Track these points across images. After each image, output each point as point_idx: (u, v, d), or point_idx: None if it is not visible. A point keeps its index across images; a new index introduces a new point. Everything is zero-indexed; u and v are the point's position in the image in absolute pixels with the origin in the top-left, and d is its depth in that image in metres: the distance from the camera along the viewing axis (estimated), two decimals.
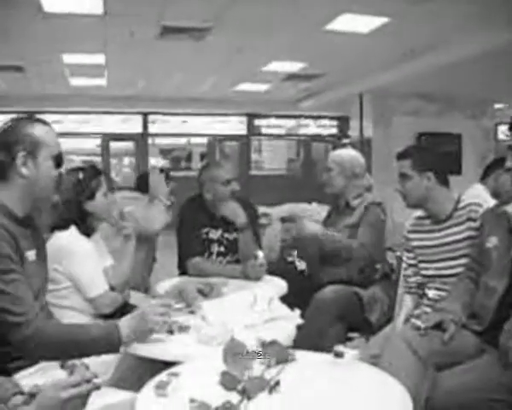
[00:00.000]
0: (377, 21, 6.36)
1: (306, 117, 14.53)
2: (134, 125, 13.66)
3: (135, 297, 2.83)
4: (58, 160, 2.00)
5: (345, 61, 8.52)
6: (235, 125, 14.35)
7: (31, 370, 1.93)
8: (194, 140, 14.55)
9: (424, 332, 2.17)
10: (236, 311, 2.29)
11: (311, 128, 14.88)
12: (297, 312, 2.31)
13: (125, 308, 2.59)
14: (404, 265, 2.93)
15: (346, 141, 11.98)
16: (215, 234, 3.44)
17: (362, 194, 3.51)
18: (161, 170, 3.55)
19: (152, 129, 13.86)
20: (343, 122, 13.98)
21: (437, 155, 2.78)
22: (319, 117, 14.59)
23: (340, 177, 3.52)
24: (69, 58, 8.44)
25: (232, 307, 2.35)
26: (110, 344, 1.91)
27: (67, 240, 2.56)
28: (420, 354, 2.08)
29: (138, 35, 6.97)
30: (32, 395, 1.49)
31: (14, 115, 2.05)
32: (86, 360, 1.87)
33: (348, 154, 3.67)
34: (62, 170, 2.04)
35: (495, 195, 3.40)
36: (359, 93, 10.70)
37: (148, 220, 3.34)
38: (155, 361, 2.02)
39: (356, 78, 9.75)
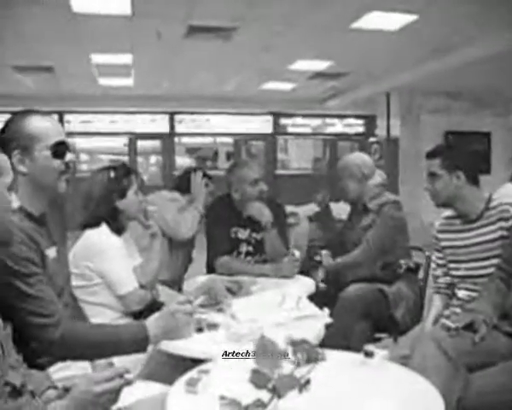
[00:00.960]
0: (406, 19, 6.31)
1: (332, 116, 14.47)
2: (161, 124, 13.77)
3: (166, 294, 2.84)
4: (57, 149, 1.91)
5: (372, 59, 8.46)
6: (261, 124, 14.35)
7: (62, 364, 1.96)
8: (220, 139, 14.60)
9: (455, 333, 2.15)
10: (265, 309, 2.30)
11: (338, 127, 14.80)
12: (326, 311, 2.31)
13: (153, 306, 2.61)
14: (433, 265, 2.90)
15: (372, 140, 11.88)
16: (243, 234, 3.45)
17: (379, 193, 3.49)
18: (204, 174, 3.55)
19: (179, 128, 13.95)
20: (370, 121, 13.89)
21: (467, 154, 2.74)
22: (345, 116, 14.51)
23: (351, 182, 3.51)
24: (97, 58, 8.55)
25: (261, 305, 2.36)
26: (137, 344, 1.93)
27: (99, 238, 2.59)
28: (451, 354, 2.06)
29: (165, 35, 7.03)
30: (66, 389, 1.51)
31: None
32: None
33: (353, 157, 3.67)
34: (69, 158, 1.94)
35: None
36: (386, 91, 10.62)
37: (179, 225, 3.36)
38: (184, 358, 2.04)
39: (383, 76, 9.68)
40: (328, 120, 14.69)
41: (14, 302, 1.73)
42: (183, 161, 13.83)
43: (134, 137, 13.69)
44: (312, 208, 4.75)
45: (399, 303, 3.26)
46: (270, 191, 3.64)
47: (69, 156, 1.96)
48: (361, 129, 14.76)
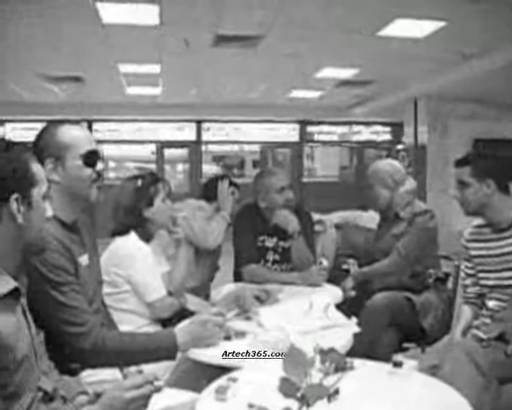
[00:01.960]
0: (433, 25, 6.26)
1: (359, 123, 14.40)
2: (188, 132, 13.87)
3: (192, 302, 2.86)
4: (89, 158, 1.95)
5: (398, 66, 8.41)
6: (287, 132, 14.35)
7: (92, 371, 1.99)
8: (246, 147, 14.63)
9: (486, 344, 2.12)
10: (292, 317, 2.30)
11: (364, 134, 14.71)
12: (354, 320, 2.30)
13: (181, 313, 2.63)
14: (462, 274, 2.86)
15: (399, 147, 11.79)
16: (270, 242, 3.46)
17: (410, 202, 3.45)
18: (231, 182, 3.57)
19: (205, 136, 14.03)
20: (397, 128, 13.78)
21: (497, 162, 2.69)
22: (372, 123, 14.43)
23: (382, 190, 3.46)
24: (125, 68, 8.65)
25: (288, 313, 2.36)
26: (167, 352, 1.96)
27: (128, 245, 2.62)
28: (482, 366, 2.03)
29: (193, 44, 7.09)
30: (97, 395, 1.54)
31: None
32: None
33: (383, 164, 3.62)
34: (98, 168, 1.99)
35: None
36: (413, 98, 10.54)
37: (206, 233, 3.38)
38: (212, 365, 2.05)
39: (410, 83, 9.62)
40: (354, 128, 14.62)
41: (47, 310, 1.76)
42: (209, 169, 13.90)
43: (161, 146, 13.81)
44: (339, 217, 4.74)
45: (428, 313, 3.21)
46: (296, 199, 3.64)
47: (100, 165, 2.00)
48: (388, 136, 14.65)
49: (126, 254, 2.59)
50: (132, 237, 2.65)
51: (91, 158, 1.97)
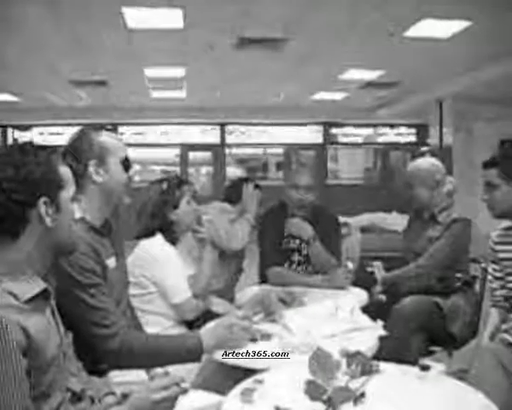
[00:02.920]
0: (459, 25, 6.21)
1: (383, 125, 14.30)
2: (212, 135, 13.93)
3: (217, 304, 2.87)
4: (126, 164, 2.06)
5: (423, 67, 8.34)
6: (311, 134, 14.32)
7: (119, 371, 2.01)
8: (270, 150, 14.64)
9: None
10: (318, 320, 2.29)
11: (389, 136, 14.60)
12: (379, 323, 2.29)
13: (206, 315, 2.65)
14: (489, 277, 2.82)
15: (424, 149, 11.68)
16: (295, 243, 3.44)
17: (448, 207, 3.38)
18: (256, 186, 3.59)
19: (229, 139, 14.08)
20: (422, 130, 13.67)
21: None
22: (397, 125, 14.32)
23: (422, 189, 3.37)
24: (150, 72, 8.73)
25: (314, 316, 2.36)
26: (192, 354, 1.98)
27: (154, 247, 2.65)
28: (510, 370, 2.01)
29: (217, 47, 7.12)
30: (125, 396, 1.55)
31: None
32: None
33: (425, 162, 3.50)
34: (131, 173, 2.09)
35: None
36: (438, 100, 10.43)
37: (230, 236, 3.38)
38: (238, 367, 2.05)
39: (435, 84, 9.53)
40: (379, 130, 14.52)
41: (76, 312, 1.79)
42: (233, 172, 13.93)
43: (185, 149, 13.89)
44: (364, 219, 4.71)
45: (456, 317, 3.17)
46: (319, 200, 3.61)
47: (132, 170, 2.10)
48: (413, 138, 14.51)
49: (152, 256, 2.62)
50: (158, 239, 2.67)
51: (126, 163, 2.06)
